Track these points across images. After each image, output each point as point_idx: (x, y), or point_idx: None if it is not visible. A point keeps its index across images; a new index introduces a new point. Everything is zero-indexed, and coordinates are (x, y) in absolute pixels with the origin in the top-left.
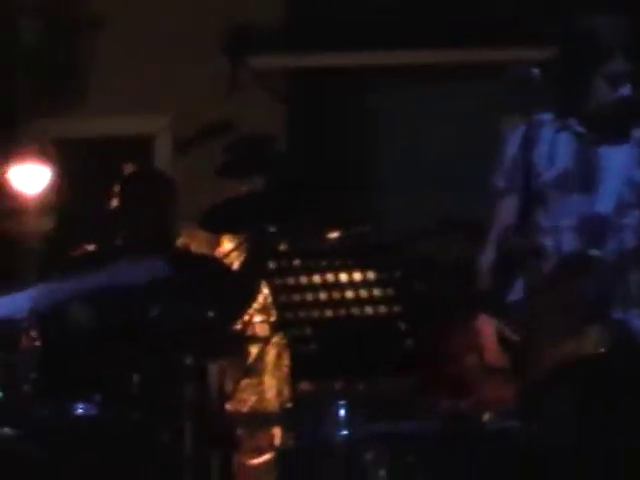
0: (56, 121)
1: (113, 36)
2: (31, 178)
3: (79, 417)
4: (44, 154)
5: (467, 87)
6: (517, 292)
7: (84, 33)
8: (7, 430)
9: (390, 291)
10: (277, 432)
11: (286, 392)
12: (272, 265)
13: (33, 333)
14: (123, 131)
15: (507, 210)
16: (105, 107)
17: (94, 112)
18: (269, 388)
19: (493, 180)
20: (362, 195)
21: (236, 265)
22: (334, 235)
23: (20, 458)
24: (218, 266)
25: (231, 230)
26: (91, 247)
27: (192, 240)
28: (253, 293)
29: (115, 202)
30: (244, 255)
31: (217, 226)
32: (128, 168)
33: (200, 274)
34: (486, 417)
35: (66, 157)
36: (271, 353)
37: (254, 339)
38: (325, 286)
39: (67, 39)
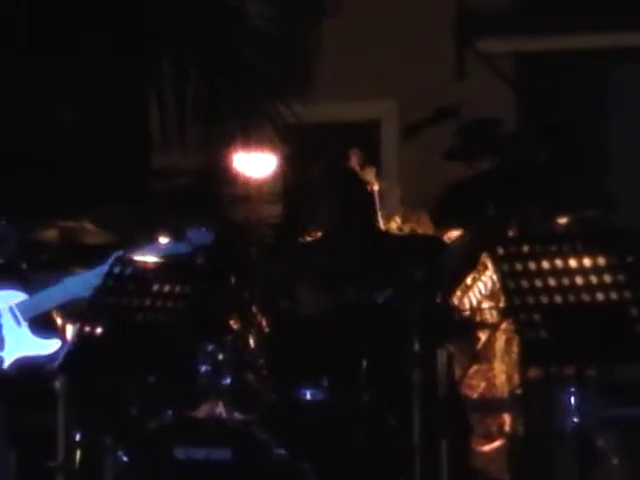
0: (285, 107)
1: (342, 23)
2: (259, 164)
3: (308, 402)
4: (274, 140)
5: None
6: None
7: (315, 20)
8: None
9: (621, 277)
10: (507, 418)
11: (516, 378)
12: (500, 251)
13: (260, 318)
14: (350, 116)
15: None
16: (333, 93)
17: (322, 98)
18: (499, 374)
19: None
20: (592, 178)
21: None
22: (563, 220)
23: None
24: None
25: (459, 223)
26: (319, 234)
27: (418, 225)
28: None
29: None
30: (467, 235)
31: (446, 220)
32: (355, 154)
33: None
34: None
35: (296, 142)
36: (500, 339)
37: (483, 325)
38: (554, 272)
39: (298, 26)
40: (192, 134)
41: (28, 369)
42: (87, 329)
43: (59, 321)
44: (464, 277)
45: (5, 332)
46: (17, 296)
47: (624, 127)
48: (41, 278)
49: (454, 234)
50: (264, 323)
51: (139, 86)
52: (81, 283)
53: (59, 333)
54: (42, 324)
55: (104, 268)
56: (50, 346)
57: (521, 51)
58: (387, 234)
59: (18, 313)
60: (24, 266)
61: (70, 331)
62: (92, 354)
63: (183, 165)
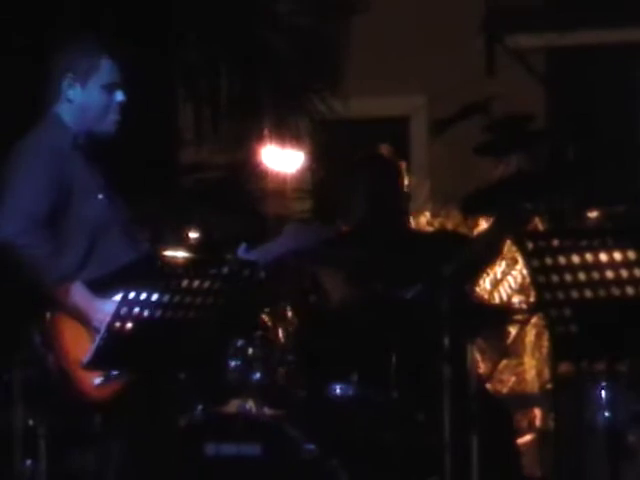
0: (313, 102)
1: (372, 18)
2: (289, 160)
3: (337, 397)
4: (308, 135)
5: None
6: None
7: (344, 16)
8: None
9: None
10: (537, 413)
11: (546, 373)
12: (530, 245)
13: (289, 313)
14: (380, 112)
15: None
16: (363, 88)
17: (352, 93)
18: (529, 369)
19: None
20: (623, 173)
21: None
22: (594, 214)
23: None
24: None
25: (489, 213)
26: (346, 227)
27: (448, 220)
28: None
29: (350, 186)
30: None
31: (477, 210)
32: (385, 149)
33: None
34: None
35: (325, 138)
36: (530, 334)
37: (513, 320)
38: (584, 266)
39: (329, 21)
40: (223, 129)
41: None
42: (117, 325)
43: None
44: (487, 265)
45: None
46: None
47: None
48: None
49: (483, 228)
50: (293, 318)
51: (169, 81)
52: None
53: None
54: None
55: None
56: None
57: (551, 46)
58: (416, 229)
59: None
60: (160, 264)
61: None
62: (122, 350)
63: (214, 160)
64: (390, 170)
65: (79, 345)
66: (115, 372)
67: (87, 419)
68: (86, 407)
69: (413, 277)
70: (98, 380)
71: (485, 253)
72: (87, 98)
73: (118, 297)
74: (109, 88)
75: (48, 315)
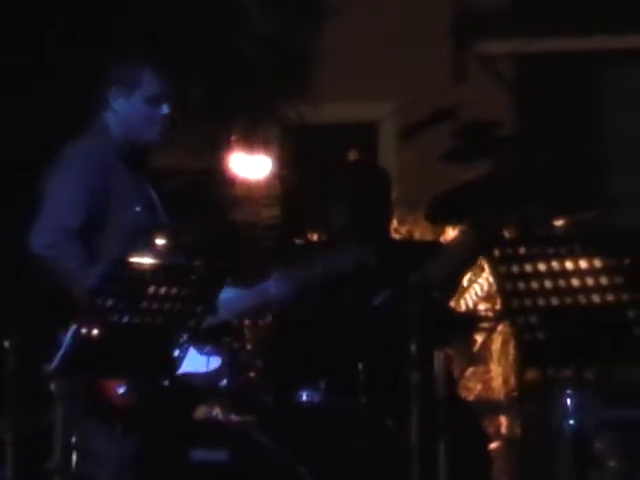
0: (283, 108)
1: (340, 25)
2: (257, 166)
3: (305, 403)
4: (278, 141)
5: None
6: None
7: (313, 22)
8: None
9: (618, 279)
10: (504, 421)
11: (512, 381)
12: (497, 253)
13: (260, 321)
14: (350, 117)
15: None
16: (331, 94)
17: (320, 99)
18: (495, 377)
19: None
20: (591, 180)
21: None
22: (561, 222)
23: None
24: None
25: (456, 222)
26: (315, 236)
27: (416, 227)
28: (459, 276)
29: (334, 190)
30: (461, 237)
31: (442, 219)
32: (354, 155)
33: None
34: None
35: (294, 143)
36: (497, 341)
37: (480, 327)
38: (551, 274)
39: (298, 28)
40: (191, 135)
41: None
42: (83, 331)
43: None
44: (462, 278)
45: None
46: None
47: (622, 128)
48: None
49: (451, 234)
50: (261, 324)
51: None
52: (244, 298)
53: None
54: (205, 340)
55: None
56: (212, 364)
57: (520, 53)
58: (398, 239)
59: None
60: (193, 277)
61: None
62: (88, 356)
63: (182, 166)
64: (378, 177)
65: None
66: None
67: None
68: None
69: (382, 284)
70: (122, 389)
71: (456, 265)
72: (131, 110)
73: None
74: (153, 101)
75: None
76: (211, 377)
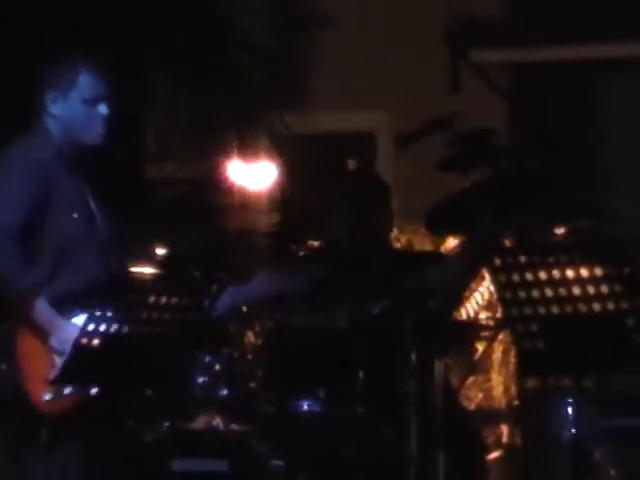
0: (281, 117)
1: (336, 33)
2: (256, 174)
3: (304, 413)
4: (269, 150)
5: None
6: None
7: (308, 31)
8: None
9: (618, 287)
10: (504, 430)
11: (513, 389)
12: (497, 261)
13: (257, 329)
14: (346, 127)
15: None
16: (327, 104)
17: (317, 108)
18: (496, 385)
19: None
20: (588, 189)
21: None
22: (560, 230)
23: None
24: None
25: (456, 232)
26: (316, 243)
27: (415, 236)
28: (465, 285)
29: (334, 200)
30: (462, 248)
31: (442, 228)
32: (351, 164)
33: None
34: None
35: (291, 153)
36: (497, 350)
37: (480, 336)
38: (551, 282)
39: (291, 37)
40: (186, 144)
41: None
42: (84, 341)
43: None
44: (464, 288)
45: None
46: None
47: (618, 137)
48: None
49: (451, 244)
50: (260, 334)
51: (132, 97)
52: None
53: None
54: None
55: None
56: None
57: (515, 62)
58: (399, 248)
59: None
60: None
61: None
62: (88, 366)
63: (178, 175)
64: (378, 187)
65: (33, 360)
66: (67, 389)
67: (35, 432)
68: (35, 420)
69: (380, 293)
70: (48, 396)
71: (459, 276)
72: (69, 112)
73: (80, 319)
74: (91, 102)
75: (7, 325)
76: None
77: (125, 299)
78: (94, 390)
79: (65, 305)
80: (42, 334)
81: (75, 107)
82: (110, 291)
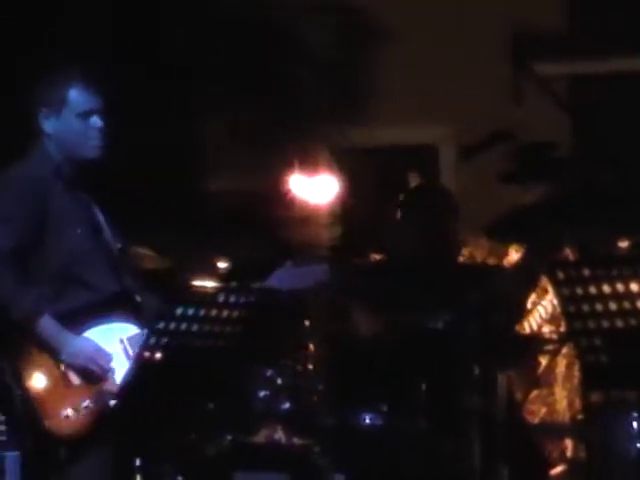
0: (344, 131)
1: (400, 47)
2: (318, 187)
3: (366, 426)
4: (331, 164)
5: None
6: None
7: (373, 45)
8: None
9: None
10: (569, 444)
11: (577, 403)
12: (560, 275)
13: (319, 341)
14: (409, 140)
15: None
16: (392, 117)
17: (381, 122)
18: (560, 399)
19: None
20: None
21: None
22: (624, 243)
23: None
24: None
25: (517, 239)
26: (378, 256)
27: (477, 249)
28: (527, 298)
29: (399, 213)
30: (524, 260)
31: (503, 236)
32: (413, 178)
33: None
34: None
35: (353, 166)
36: (561, 364)
37: (544, 350)
38: (615, 296)
39: (354, 51)
40: (248, 157)
41: None
42: (146, 355)
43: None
44: (526, 301)
45: (114, 364)
46: (129, 329)
47: None
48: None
49: (513, 257)
50: (323, 347)
51: (193, 110)
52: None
53: None
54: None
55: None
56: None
57: (577, 74)
58: (464, 262)
59: (129, 347)
60: (138, 299)
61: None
62: (151, 380)
63: (240, 188)
64: (447, 203)
65: (46, 379)
66: (85, 404)
67: (53, 450)
68: (53, 438)
69: (442, 306)
70: (66, 412)
71: (520, 288)
72: (63, 128)
73: (93, 333)
74: (84, 116)
75: (15, 348)
76: None
77: (188, 312)
78: (112, 402)
79: (77, 320)
80: (51, 351)
81: (69, 122)
82: (123, 307)
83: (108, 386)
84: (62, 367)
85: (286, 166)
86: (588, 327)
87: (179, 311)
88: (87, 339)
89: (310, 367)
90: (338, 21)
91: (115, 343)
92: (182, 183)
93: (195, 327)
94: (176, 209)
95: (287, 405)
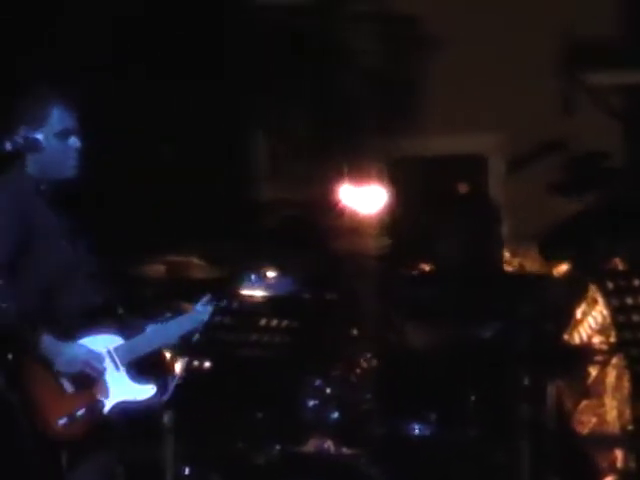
0: (393, 141)
1: (449, 56)
2: (367, 197)
3: (416, 436)
4: (380, 174)
5: None
6: None
7: (422, 54)
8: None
9: None
10: (619, 454)
11: (627, 414)
12: (610, 285)
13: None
14: (458, 150)
15: None
16: (441, 126)
17: (430, 132)
18: (610, 410)
19: None
20: None
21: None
22: None
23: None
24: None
25: (569, 258)
26: (427, 266)
27: (526, 258)
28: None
29: (445, 223)
30: (574, 271)
31: (556, 254)
32: (462, 187)
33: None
34: None
35: (402, 176)
36: (611, 374)
37: (594, 360)
38: None
39: (406, 60)
40: (299, 167)
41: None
42: (195, 364)
43: (168, 356)
44: (575, 310)
45: (105, 377)
46: (114, 340)
47: None
48: (136, 322)
49: (563, 268)
50: (371, 357)
51: (244, 120)
52: (175, 328)
53: (155, 378)
54: (138, 369)
55: (194, 316)
56: (146, 392)
57: (630, 84)
58: (512, 272)
59: (116, 357)
60: (120, 310)
61: (179, 366)
62: (200, 388)
63: (290, 198)
64: (492, 212)
65: (42, 388)
66: (80, 412)
67: (54, 457)
68: (52, 445)
69: (492, 316)
70: (62, 420)
71: (568, 297)
72: (43, 148)
73: (87, 341)
74: (62, 135)
75: (10, 356)
76: (146, 405)
77: (236, 321)
78: (107, 408)
79: (64, 331)
80: (45, 361)
81: (48, 141)
82: (103, 320)
83: (101, 395)
84: (56, 377)
85: (336, 176)
86: (638, 337)
87: (228, 320)
88: (79, 344)
89: (359, 377)
90: (388, 31)
91: (103, 355)
92: (233, 193)
93: (243, 337)
94: (227, 219)
95: (336, 415)
